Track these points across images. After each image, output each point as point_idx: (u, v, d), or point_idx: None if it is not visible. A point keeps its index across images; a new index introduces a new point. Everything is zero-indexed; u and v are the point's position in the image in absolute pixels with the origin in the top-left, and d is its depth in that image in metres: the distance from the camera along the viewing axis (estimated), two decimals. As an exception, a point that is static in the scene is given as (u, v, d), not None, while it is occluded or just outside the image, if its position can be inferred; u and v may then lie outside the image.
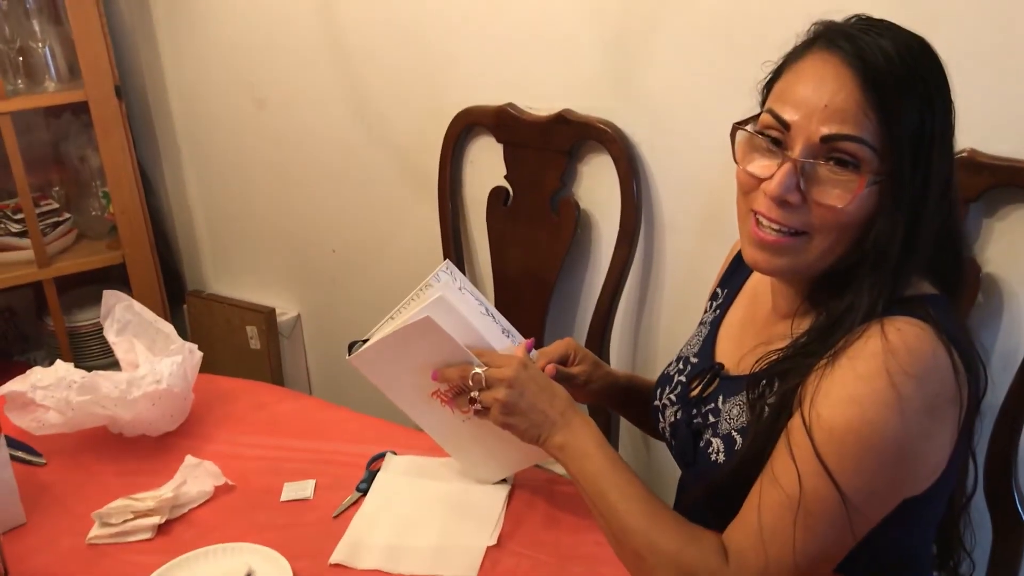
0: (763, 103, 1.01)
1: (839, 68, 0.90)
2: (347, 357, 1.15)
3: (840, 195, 0.91)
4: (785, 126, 0.93)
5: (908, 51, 0.90)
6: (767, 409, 0.98)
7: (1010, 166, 1.33)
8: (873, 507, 0.91)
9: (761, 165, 0.96)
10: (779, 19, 1.35)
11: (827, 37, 0.93)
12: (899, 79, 0.89)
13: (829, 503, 0.89)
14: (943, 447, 0.93)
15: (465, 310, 1.14)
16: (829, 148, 0.91)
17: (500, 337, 1.18)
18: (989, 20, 1.32)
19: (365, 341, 1.15)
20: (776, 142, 0.95)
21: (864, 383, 0.88)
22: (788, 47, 0.99)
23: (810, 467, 0.89)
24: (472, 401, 1.10)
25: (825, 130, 0.90)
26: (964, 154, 1.36)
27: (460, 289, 1.16)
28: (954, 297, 1.01)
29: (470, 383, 1.09)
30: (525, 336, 1.20)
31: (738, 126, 1.00)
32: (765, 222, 0.96)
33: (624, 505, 1.00)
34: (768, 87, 1.00)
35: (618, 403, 1.34)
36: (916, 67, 0.90)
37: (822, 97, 0.90)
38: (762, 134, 0.96)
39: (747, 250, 1.00)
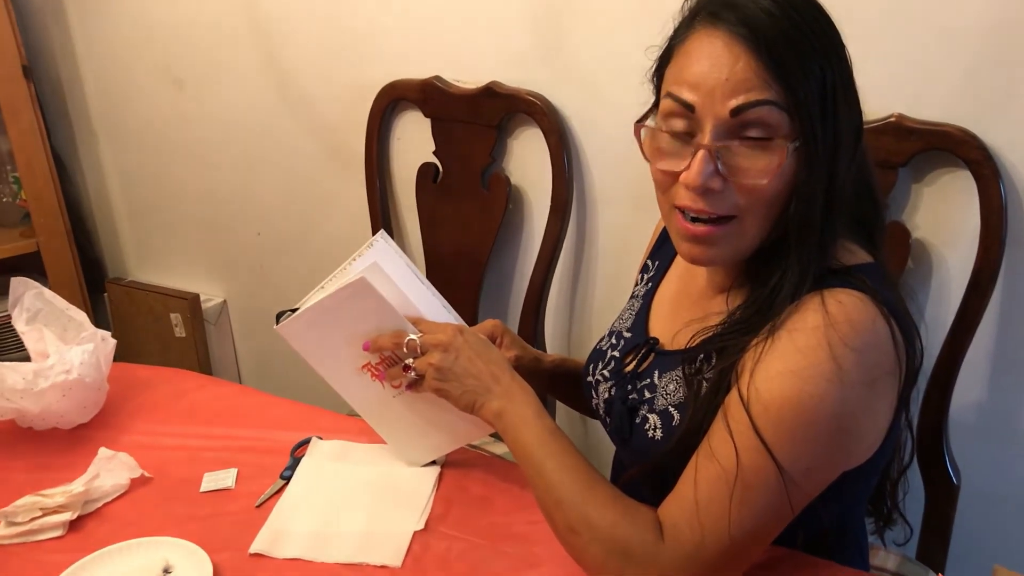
0: (657, 91, 0.97)
1: (728, 40, 0.87)
2: (274, 327, 1.10)
3: (762, 170, 0.88)
4: (690, 108, 0.89)
5: (791, 6, 0.87)
6: (704, 384, 0.95)
7: (937, 130, 1.33)
8: (811, 481, 0.90)
9: (674, 158, 0.92)
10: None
11: (708, 11, 0.89)
12: (789, 38, 0.86)
13: (766, 477, 0.87)
14: (882, 420, 0.92)
15: (400, 277, 1.11)
16: (740, 122, 0.87)
17: (440, 310, 1.15)
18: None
19: (295, 311, 1.11)
20: (682, 131, 0.91)
21: (803, 356, 0.86)
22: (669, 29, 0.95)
23: (747, 441, 0.87)
24: (406, 368, 1.07)
25: (733, 103, 0.87)
26: (892, 119, 1.35)
27: (398, 256, 1.13)
28: (879, 248, 1.00)
29: (404, 350, 1.06)
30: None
31: (640, 123, 0.96)
32: (692, 215, 0.92)
33: (559, 476, 0.97)
34: (659, 73, 0.96)
35: (547, 386, 1.31)
36: (803, 21, 0.87)
37: (721, 72, 0.87)
38: (668, 123, 0.92)
39: (681, 246, 0.96)
